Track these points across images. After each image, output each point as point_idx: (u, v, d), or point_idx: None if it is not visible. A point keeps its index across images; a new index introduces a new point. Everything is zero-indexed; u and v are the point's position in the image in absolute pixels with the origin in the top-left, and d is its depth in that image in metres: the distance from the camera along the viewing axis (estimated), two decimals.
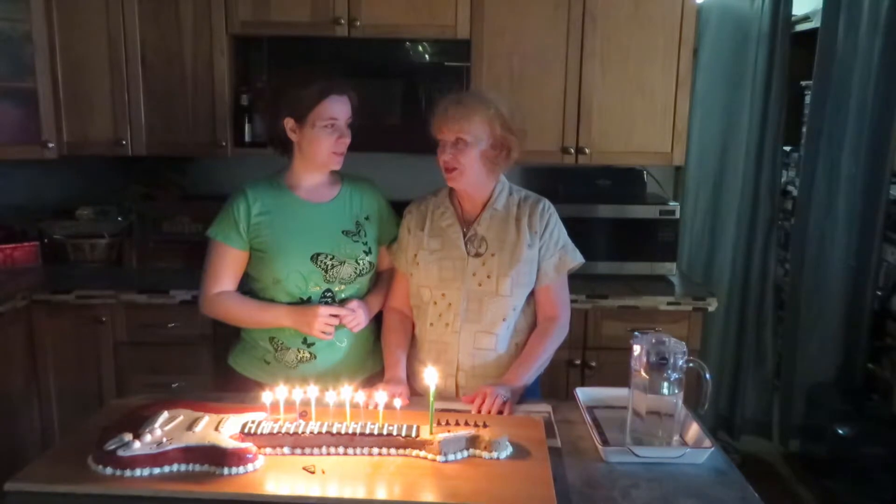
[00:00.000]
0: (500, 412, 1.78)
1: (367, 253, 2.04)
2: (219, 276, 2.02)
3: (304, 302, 2.00)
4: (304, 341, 2.02)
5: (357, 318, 2.00)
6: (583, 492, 1.46)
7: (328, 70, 2.82)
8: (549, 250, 1.99)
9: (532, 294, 2.03)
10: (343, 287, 2.02)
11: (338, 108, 1.94)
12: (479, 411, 1.79)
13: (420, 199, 2.10)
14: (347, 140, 1.97)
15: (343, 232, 2.02)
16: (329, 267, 1.99)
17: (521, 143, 1.97)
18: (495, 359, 1.98)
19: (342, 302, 2.01)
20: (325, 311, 1.94)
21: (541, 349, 1.98)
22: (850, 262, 3.25)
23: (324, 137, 1.94)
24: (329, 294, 2.01)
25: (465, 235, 1.99)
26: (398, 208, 2.12)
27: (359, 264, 2.02)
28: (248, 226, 1.99)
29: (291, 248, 1.98)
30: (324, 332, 1.95)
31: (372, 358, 2.13)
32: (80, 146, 2.94)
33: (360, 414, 1.60)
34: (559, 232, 2.02)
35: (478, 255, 1.97)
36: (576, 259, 2.03)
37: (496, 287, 1.95)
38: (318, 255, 1.98)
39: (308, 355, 2.02)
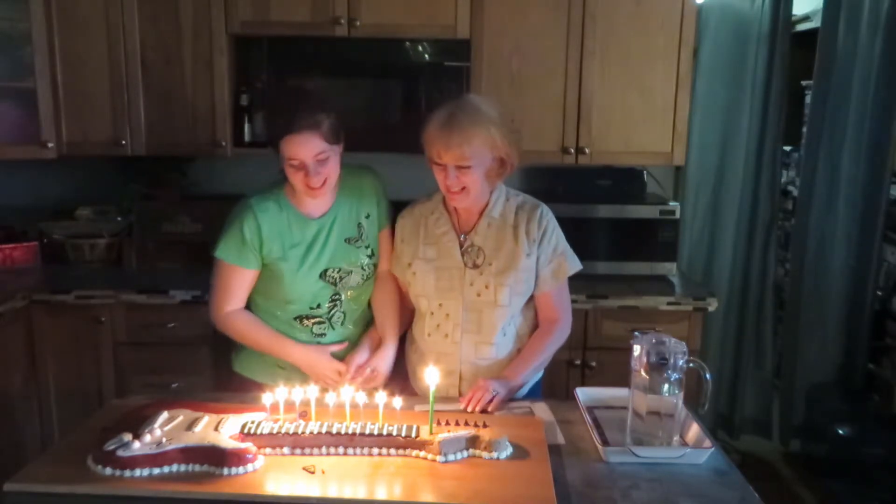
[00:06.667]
0: (485, 410, 1.78)
1: (370, 256, 2.05)
2: (230, 297, 1.99)
3: (313, 309, 2.01)
4: (318, 344, 2.04)
5: (370, 377, 2.00)
6: (583, 492, 1.46)
7: (327, 70, 2.88)
8: (547, 257, 1.97)
9: (532, 299, 2.01)
10: (351, 292, 2.03)
11: (297, 149, 1.84)
12: (467, 407, 1.79)
13: (413, 204, 2.08)
14: (319, 178, 1.87)
15: (346, 240, 2.01)
16: (338, 280, 2.00)
17: (519, 149, 1.93)
18: (497, 367, 1.96)
19: (348, 308, 2.03)
20: (333, 370, 1.96)
21: (540, 349, 1.98)
22: (850, 262, 3.25)
23: (293, 174, 1.89)
24: (337, 297, 2.02)
25: (461, 245, 1.97)
26: (398, 208, 2.10)
27: (364, 270, 2.04)
28: (261, 245, 1.95)
29: (301, 271, 1.97)
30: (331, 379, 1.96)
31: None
32: (79, 146, 2.93)
33: (359, 414, 1.60)
34: (557, 238, 1.99)
35: (475, 266, 1.95)
36: (574, 266, 2.00)
37: (494, 297, 1.93)
38: (326, 271, 1.99)
39: None
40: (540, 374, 2.09)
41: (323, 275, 1.98)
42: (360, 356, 2.01)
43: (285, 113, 1.88)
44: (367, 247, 2.03)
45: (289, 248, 1.96)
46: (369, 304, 2.11)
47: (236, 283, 1.98)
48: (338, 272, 1.99)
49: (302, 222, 1.99)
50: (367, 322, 2.11)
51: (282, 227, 1.97)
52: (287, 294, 1.98)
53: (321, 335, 2.03)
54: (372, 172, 2.11)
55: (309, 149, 1.84)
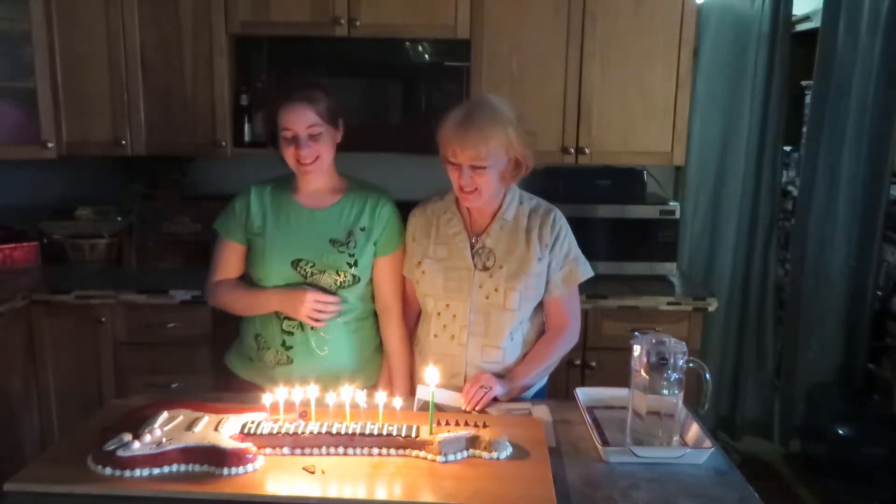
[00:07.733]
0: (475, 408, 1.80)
1: (352, 265, 1.98)
2: (219, 267, 2.06)
3: None
4: (283, 343, 2.00)
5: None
6: (583, 492, 1.46)
7: (327, 70, 2.88)
8: (558, 263, 1.95)
9: (541, 304, 1.99)
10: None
11: (289, 118, 1.90)
12: (466, 407, 1.81)
13: (425, 202, 2.05)
14: (310, 152, 1.91)
15: (330, 241, 1.98)
16: (309, 275, 1.97)
17: (532, 151, 1.90)
18: (504, 372, 1.94)
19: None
20: (312, 296, 1.92)
21: (546, 354, 1.97)
22: (850, 262, 3.25)
23: (285, 149, 1.93)
24: None
25: (472, 246, 1.95)
26: (400, 208, 2.08)
27: (339, 276, 1.98)
28: (246, 221, 2.01)
29: (275, 251, 1.98)
30: (312, 319, 1.93)
31: (368, 369, 2.09)
32: (79, 146, 2.93)
33: (359, 414, 1.60)
34: (569, 244, 1.97)
35: (485, 268, 1.93)
36: (586, 272, 1.98)
37: (503, 301, 1.91)
38: (299, 261, 1.97)
39: (285, 358, 2.00)
40: (544, 381, 2.08)
41: (295, 264, 1.97)
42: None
43: (285, 87, 1.93)
44: (350, 255, 1.98)
45: (271, 225, 2.00)
46: (353, 327, 2.06)
47: (223, 256, 2.05)
48: (310, 267, 1.96)
49: (293, 208, 2.01)
50: (344, 350, 2.04)
51: (269, 205, 2.02)
52: (258, 271, 2.00)
53: (289, 333, 1.99)
54: (391, 201, 2.05)
55: (302, 120, 1.89)
